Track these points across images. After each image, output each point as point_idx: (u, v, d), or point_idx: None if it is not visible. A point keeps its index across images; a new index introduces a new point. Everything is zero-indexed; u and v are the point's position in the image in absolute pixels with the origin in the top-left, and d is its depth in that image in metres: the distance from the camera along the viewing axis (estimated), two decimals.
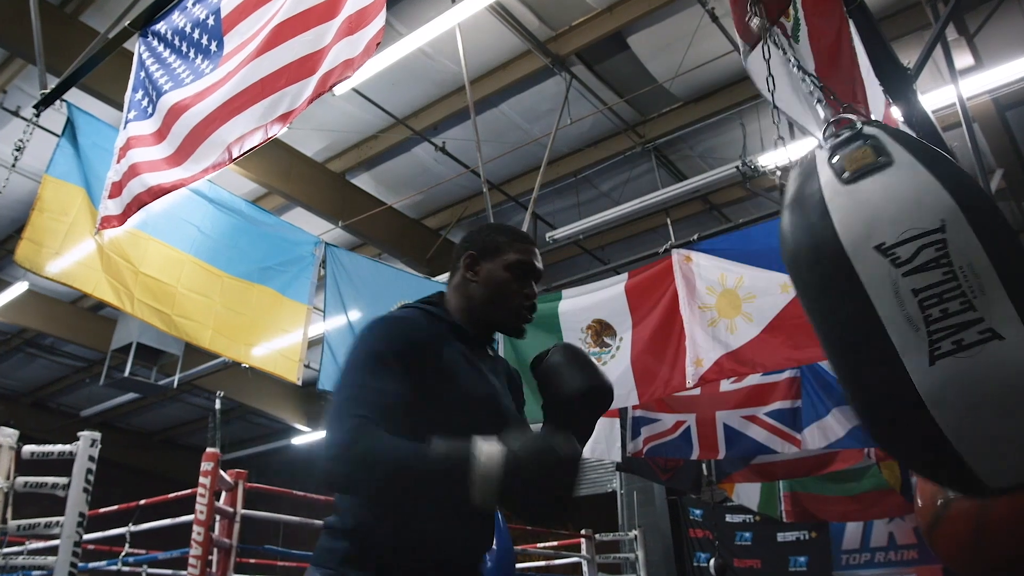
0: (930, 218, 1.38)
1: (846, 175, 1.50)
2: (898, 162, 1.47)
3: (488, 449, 1.13)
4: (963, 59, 5.01)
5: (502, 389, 1.50)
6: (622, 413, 5.27)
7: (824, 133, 1.64)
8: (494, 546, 4.29)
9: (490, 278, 1.52)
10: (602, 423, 5.35)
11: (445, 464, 1.13)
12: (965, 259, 1.35)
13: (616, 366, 3.95)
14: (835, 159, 1.54)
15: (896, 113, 2.72)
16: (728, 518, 7.65)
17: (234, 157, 2.49)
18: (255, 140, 2.43)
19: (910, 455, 1.55)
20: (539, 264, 1.58)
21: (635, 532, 6.34)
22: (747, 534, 7.52)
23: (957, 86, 3.17)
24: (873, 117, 2.17)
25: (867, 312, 1.42)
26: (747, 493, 6.40)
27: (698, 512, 7.85)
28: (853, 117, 1.60)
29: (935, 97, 4.66)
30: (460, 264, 1.55)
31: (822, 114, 1.79)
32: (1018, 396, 1.34)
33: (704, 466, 6.05)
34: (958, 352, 1.35)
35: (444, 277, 6.36)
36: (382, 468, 1.14)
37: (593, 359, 1.40)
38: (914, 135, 1.58)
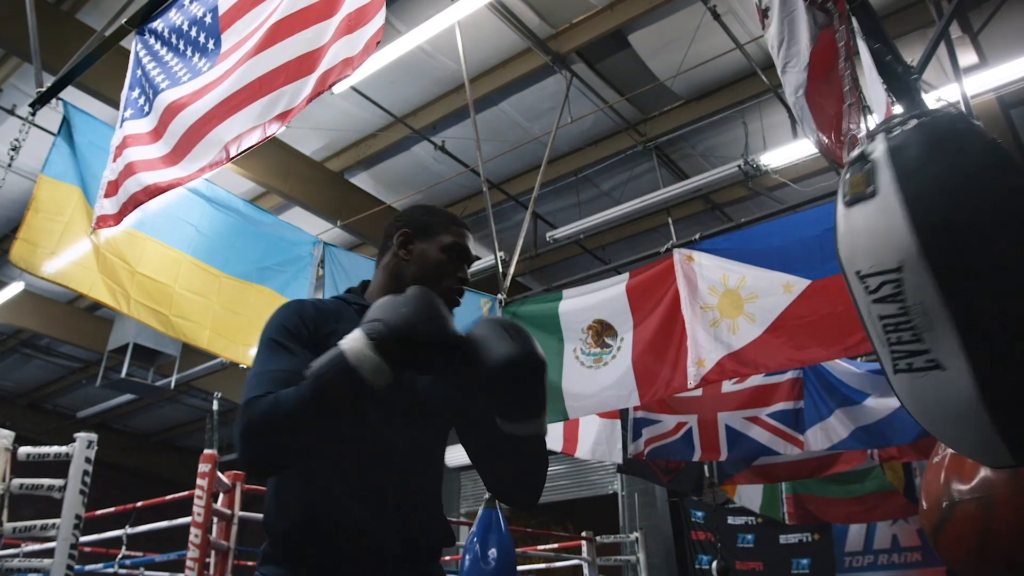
0: (892, 258, 1.57)
1: (847, 198, 1.67)
2: (881, 194, 1.61)
3: (349, 336, 1.18)
4: (967, 57, 5.01)
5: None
6: (623, 414, 5.26)
7: (847, 147, 1.73)
8: (493, 553, 4.28)
9: (424, 258, 1.49)
10: (603, 424, 5.34)
11: (322, 374, 1.16)
12: (918, 298, 1.54)
13: (617, 367, 3.95)
14: (847, 176, 1.69)
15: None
16: (730, 520, 7.65)
17: (232, 156, 2.49)
18: (253, 139, 2.42)
19: None
20: (473, 249, 1.56)
21: (636, 534, 6.34)
22: (749, 536, 7.52)
23: (961, 84, 3.16)
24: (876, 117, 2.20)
25: (861, 319, 1.70)
26: (749, 495, 6.39)
27: (700, 514, 7.86)
28: (861, 136, 1.66)
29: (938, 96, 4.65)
30: (392, 242, 1.53)
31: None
32: (957, 416, 1.56)
33: (706, 468, 6.05)
34: (910, 372, 1.60)
35: None
36: (276, 418, 1.15)
37: (523, 328, 1.32)
38: (933, 130, 1.61)
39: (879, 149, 1.61)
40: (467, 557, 4.32)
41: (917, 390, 1.61)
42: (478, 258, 1.56)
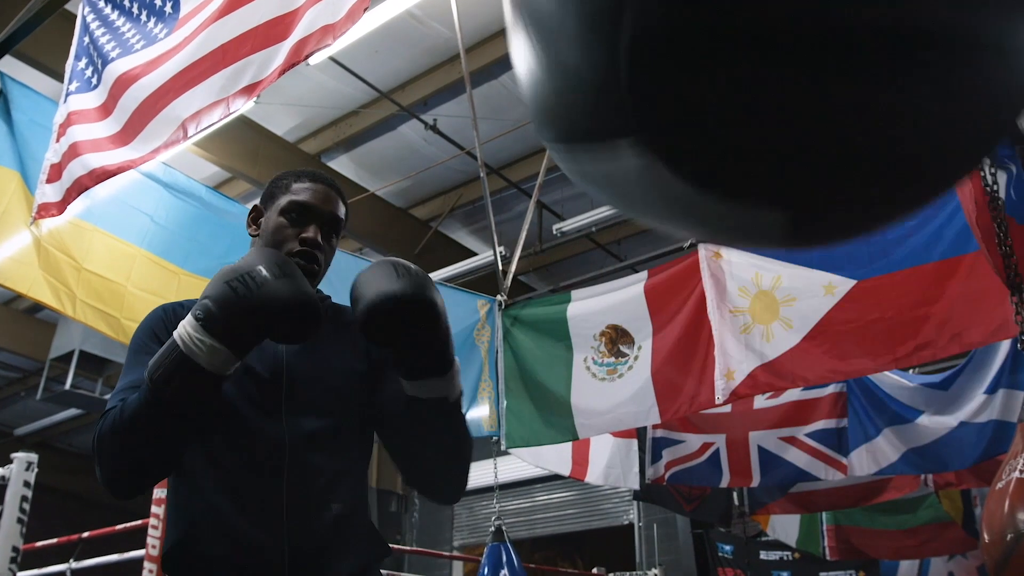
0: None
1: None
2: None
3: (182, 321, 1.21)
4: None
5: (307, 352, 1.45)
6: (641, 434, 5.26)
7: None
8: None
9: (267, 228, 1.52)
10: (617, 445, 5.34)
11: (156, 370, 1.19)
12: None
13: (634, 379, 3.95)
14: None
15: None
16: (763, 555, 7.64)
17: (189, 135, 2.49)
18: (214, 116, 2.42)
19: None
20: (319, 202, 1.51)
21: (655, 571, 6.35)
22: (784, 573, 7.51)
23: None
24: None
25: None
26: (784, 526, 6.40)
27: (728, 548, 7.85)
28: None
29: None
30: (247, 220, 1.60)
31: None
32: None
33: (735, 495, 6.04)
34: None
35: (435, 275, 6.37)
36: (120, 430, 1.21)
37: (415, 267, 1.29)
38: None
39: None
40: None
41: None
42: (335, 214, 1.43)
